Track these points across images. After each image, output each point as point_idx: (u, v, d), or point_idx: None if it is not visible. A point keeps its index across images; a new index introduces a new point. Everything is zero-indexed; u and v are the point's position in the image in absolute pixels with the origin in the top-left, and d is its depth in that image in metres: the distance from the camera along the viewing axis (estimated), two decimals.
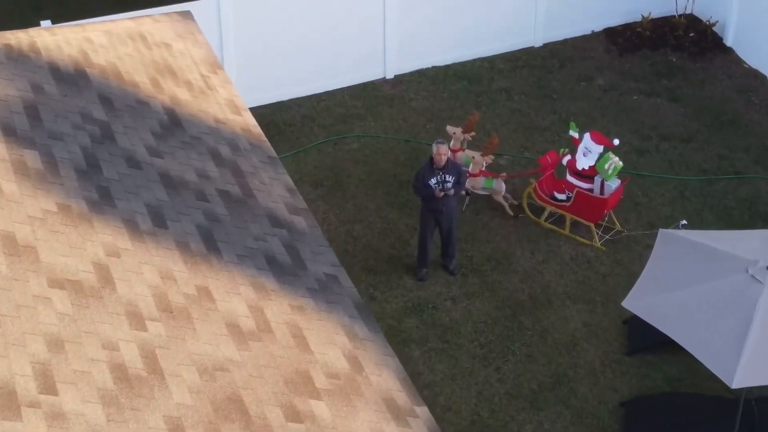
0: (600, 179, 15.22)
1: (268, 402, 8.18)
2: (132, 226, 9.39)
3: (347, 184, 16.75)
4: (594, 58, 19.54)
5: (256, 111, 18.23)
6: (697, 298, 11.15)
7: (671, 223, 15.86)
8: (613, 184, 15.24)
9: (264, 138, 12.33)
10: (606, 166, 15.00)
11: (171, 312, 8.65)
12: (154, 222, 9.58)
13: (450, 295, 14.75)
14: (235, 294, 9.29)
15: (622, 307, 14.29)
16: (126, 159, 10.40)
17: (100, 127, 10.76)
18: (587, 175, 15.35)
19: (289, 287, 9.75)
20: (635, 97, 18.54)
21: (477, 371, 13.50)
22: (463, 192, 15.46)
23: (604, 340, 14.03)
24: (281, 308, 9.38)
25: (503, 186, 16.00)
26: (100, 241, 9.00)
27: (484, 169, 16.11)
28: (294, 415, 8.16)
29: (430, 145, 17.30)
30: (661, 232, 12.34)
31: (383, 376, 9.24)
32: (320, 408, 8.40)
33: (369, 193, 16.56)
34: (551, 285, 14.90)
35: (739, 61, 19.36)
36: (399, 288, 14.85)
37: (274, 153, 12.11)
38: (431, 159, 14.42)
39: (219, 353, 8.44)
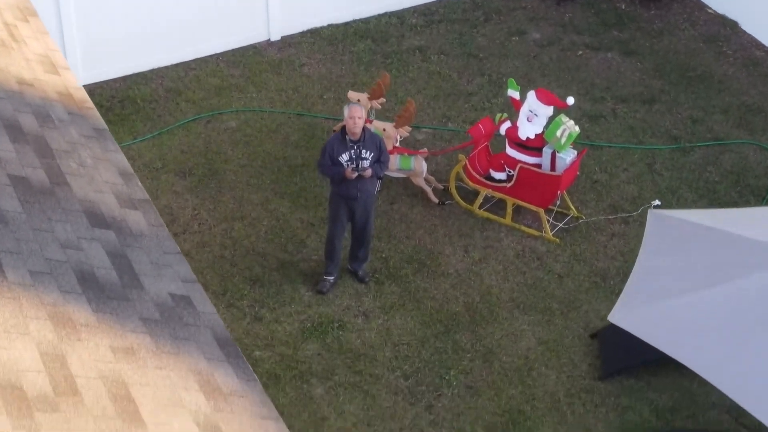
0: (550, 150, 12.33)
1: None
2: None
3: (224, 172, 13.62)
4: (526, 9, 16.69)
5: (107, 86, 15.19)
6: (711, 305, 8.28)
7: (640, 203, 13.08)
8: (567, 156, 12.34)
9: (90, 104, 9.18)
10: (558, 133, 12.10)
11: None
12: None
13: (361, 310, 11.73)
14: (20, 335, 6.12)
15: (588, 317, 11.46)
16: None
17: None
18: (533, 147, 12.47)
19: (113, 319, 6.63)
20: (580, 53, 15.71)
21: (401, 412, 10.50)
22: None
23: (568, 362, 11.11)
24: (96, 354, 6.26)
25: (424, 165, 13.02)
26: None
27: (398, 144, 13.10)
28: None
29: (329, 119, 14.35)
30: (652, 213, 9.46)
31: None
32: None
33: (252, 182, 13.45)
34: (493, 291, 11.94)
35: (701, 6, 16.64)
36: (294, 303, 11.77)
37: (103, 124, 8.99)
38: (343, 128, 11.38)
39: None
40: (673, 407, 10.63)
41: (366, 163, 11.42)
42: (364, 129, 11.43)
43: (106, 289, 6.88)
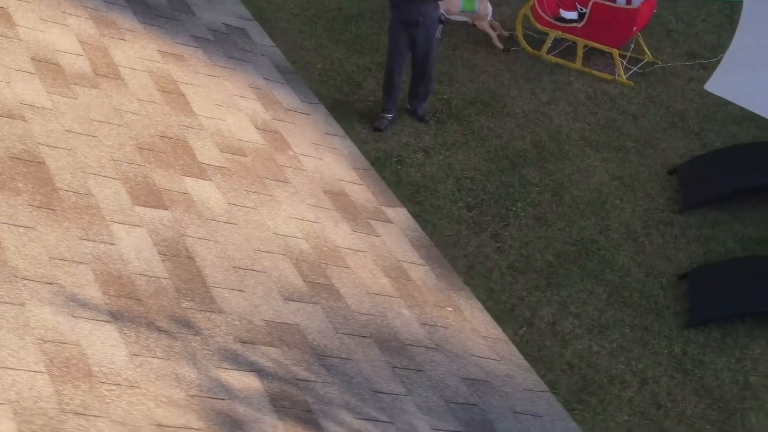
0: None
1: (100, 172, 4.33)
2: None
3: (275, 20, 12.87)
4: None
5: None
6: None
7: (720, 51, 12.14)
8: None
9: None
10: None
11: None
12: None
13: (421, 146, 10.96)
14: (55, 24, 5.42)
15: (666, 155, 10.69)
16: None
17: None
18: None
19: (161, 31, 5.92)
20: None
21: (465, 240, 9.73)
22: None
23: (645, 196, 10.31)
24: (142, 53, 5.55)
25: (489, 8, 12.23)
26: None
27: None
28: (150, 197, 4.32)
29: None
30: None
31: (327, 161, 5.44)
32: (202, 189, 4.57)
33: (305, 30, 12.70)
34: (563, 130, 11.16)
35: None
36: (349, 140, 10.97)
37: None
38: None
39: (9, 93, 4.58)
40: (760, 238, 9.83)
41: None
42: None
43: (154, 9, 6.19)
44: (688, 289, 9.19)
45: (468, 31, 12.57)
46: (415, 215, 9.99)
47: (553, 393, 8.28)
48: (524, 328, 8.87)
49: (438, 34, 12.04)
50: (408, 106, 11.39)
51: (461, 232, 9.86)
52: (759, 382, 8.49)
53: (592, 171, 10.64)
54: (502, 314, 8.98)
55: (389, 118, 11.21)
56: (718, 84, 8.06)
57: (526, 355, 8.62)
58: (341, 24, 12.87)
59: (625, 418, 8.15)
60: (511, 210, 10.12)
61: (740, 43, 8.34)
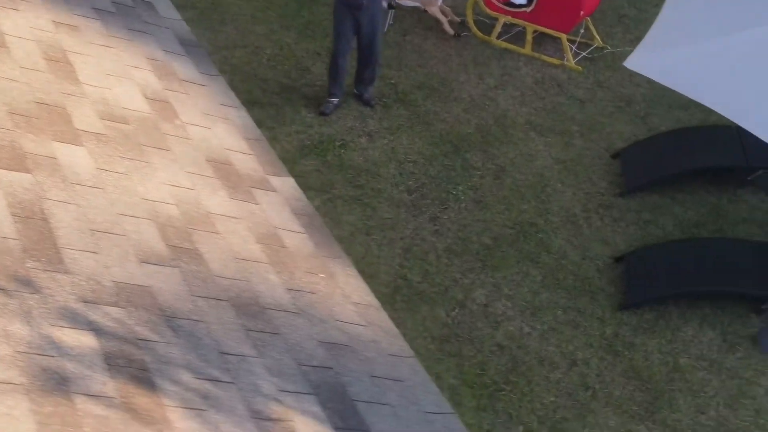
0: None
1: None
2: None
3: (227, 6, 12.85)
4: None
5: None
6: (739, 48, 7.54)
7: None
8: None
9: None
10: None
11: None
12: None
13: (365, 131, 10.93)
14: None
15: (611, 139, 10.68)
16: None
17: None
18: None
19: (60, 2, 5.86)
20: None
21: (403, 223, 9.70)
22: (385, 3, 11.60)
23: (586, 180, 10.29)
24: (35, 23, 5.50)
25: None
26: None
27: None
28: (13, 160, 4.29)
29: None
30: None
31: (216, 131, 5.40)
32: (72, 154, 4.53)
33: (257, 15, 12.67)
34: (509, 114, 11.12)
35: None
36: (294, 123, 10.99)
37: None
38: None
39: None
40: (699, 221, 9.80)
41: None
42: None
43: None
44: (623, 272, 9.17)
45: (419, 17, 12.54)
46: (355, 199, 10.01)
47: (481, 373, 8.28)
48: (456, 310, 8.84)
49: (389, 20, 12.07)
50: (354, 91, 11.35)
51: (400, 215, 9.84)
52: (689, 364, 8.47)
53: (535, 155, 10.61)
54: (435, 296, 8.96)
55: (334, 102, 11.18)
56: (638, 61, 8.02)
57: (457, 336, 8.64)
58: (294, 9, 12.84)
59: (552, 399, 8.13)
60: (452, 193, 10.09)
61: (663, 21, 8.31)
